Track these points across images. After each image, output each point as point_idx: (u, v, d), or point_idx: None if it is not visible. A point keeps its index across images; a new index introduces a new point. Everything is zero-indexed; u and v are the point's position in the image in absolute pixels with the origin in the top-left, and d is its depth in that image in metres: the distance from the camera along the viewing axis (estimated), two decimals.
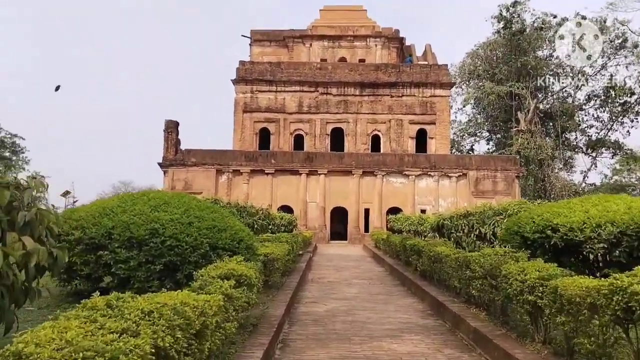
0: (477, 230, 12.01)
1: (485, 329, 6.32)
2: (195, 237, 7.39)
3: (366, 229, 33.03)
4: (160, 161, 32.30)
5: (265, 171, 32.98)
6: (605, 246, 6.66)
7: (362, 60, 40.46)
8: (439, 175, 32.84)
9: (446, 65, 37.65)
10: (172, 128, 32.03)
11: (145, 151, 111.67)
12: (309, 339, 6.73)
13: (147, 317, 3.06)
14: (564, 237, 7.03)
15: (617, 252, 6.66)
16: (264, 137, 37.63)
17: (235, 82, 37.12)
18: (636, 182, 68.07)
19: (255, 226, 12.05)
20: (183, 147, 33.07)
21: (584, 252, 7.05)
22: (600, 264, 7.49)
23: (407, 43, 44.59)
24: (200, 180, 31.84)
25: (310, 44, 41.50)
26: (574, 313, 4.39)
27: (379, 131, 37.00)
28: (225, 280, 5.58)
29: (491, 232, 11.83)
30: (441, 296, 9.07)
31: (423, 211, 31.60)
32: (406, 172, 33.03)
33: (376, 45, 41.31)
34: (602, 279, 4.74)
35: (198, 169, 32.21)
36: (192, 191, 28.29)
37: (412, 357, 5.88)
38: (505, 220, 11.82)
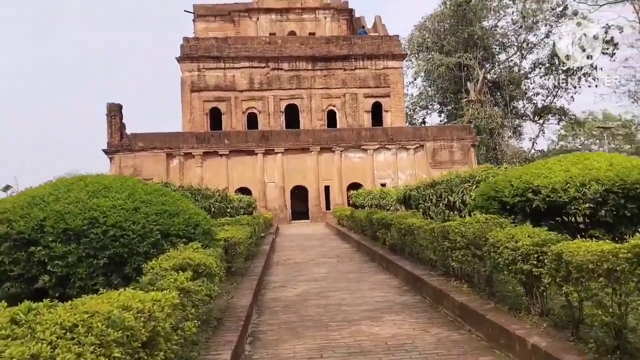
0: (446, 199, 11.61)
1: (472, 304, 5.81)
2: (143, 224, 6.47)
3: (327, 207, 32.51)
4: (105, 147, 30.31)
5: (219, 153, 31.60)
6: (592, 206, 6.26)
7: (312, 34, 39.31)
8: (396, 148, 32.58)
9: (397, 36, 37.11)
10: (115, 112, 30.00)
11: (91, 138, 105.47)
12: (281, 328, 6.04)
13: (69, 333, 2.23)
14: (547, 199, 6.59)
15: (603, 211, 6.28)
16: (215, 117, 36.06)
17: (180, 59, 35.14)
18: (580, 146, 71.14)
19: (212, 209, 11.13)
20: (129, 131, 31.15)
21: (568, 214, 6.65)
22: (581, 225, 7.15)
23: (357, 15, 43.74)
24: (149, 165, 30.13)
25: (258, 18, 39.88)
26: (584, 281, 3.88)
27: (334, 106, 36.25)
28: (181, 272, 4.79)
29: (460, 200, 11.47)
30: (416, 270, 8.58)
31: (383, 185, 31.37)
32: (364, 147, 32.56)
33: (325, 18, 40.23)
34: (594, 240, 4.26)
35: (147, 154, 30.43)
36: (141, 177, 26.73)
37: (398, 340, 5.31)
38: (473, 187, 11.47)
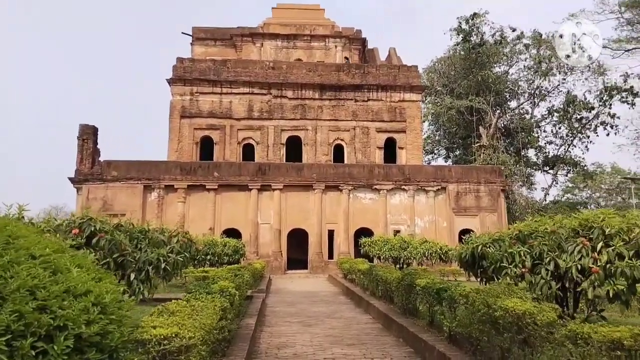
0: (552, 264, 7.12)
1: None
2: None
3: (330, 255, 27.76)
4: (73, 175, 25.83)
5: (207, 186, 27.14)
6: None
7: (320, 63, 35.77)
8: (414, 190, 28.16)
9: (416, 66, 33.42)
10: (88, 135, 25.77)
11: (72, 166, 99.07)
12: None
13: None
14: None
15: None
16: (206, 147, 31.83)
17: (171, 81, 31.23)
18: (586, 199, 67.28)
19: (164, 266, 6.70)
20: (103, 158, 26.79)
21: None
22: None
23: (369, 46, 40.47)
24: (123, 198, 25.60)
25: (262, 44, 36.45)
26: None
27: (342, 140, 32.11)
28: None
29: (576, 267, 6.98)
30: None
31: (397, 232, 26.90)
32: (376, 187, 28.14)
33: (336, 47, 36.82)
34: None
35: (121, 185, 25.92)
36: (112, 212, 22.11)
37: None
38: (600, 244, 7.06)
